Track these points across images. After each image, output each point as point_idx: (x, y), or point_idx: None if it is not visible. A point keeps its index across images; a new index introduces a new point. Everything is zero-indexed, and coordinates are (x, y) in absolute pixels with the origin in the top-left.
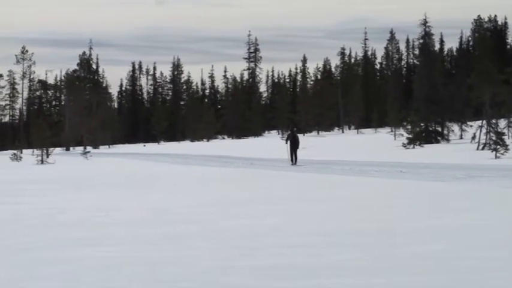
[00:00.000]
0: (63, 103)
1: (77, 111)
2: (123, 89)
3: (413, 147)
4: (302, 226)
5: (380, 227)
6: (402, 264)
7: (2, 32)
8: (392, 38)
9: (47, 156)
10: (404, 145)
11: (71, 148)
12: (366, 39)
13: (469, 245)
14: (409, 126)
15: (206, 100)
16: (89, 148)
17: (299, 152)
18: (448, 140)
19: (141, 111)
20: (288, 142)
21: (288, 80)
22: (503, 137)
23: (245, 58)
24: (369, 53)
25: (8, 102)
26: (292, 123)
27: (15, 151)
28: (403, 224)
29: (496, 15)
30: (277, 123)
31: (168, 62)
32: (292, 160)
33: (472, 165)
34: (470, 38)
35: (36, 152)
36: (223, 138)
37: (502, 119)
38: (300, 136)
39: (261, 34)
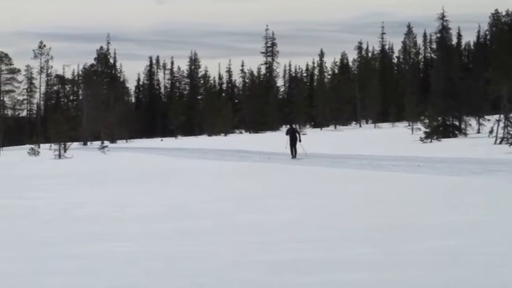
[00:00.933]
0: (80, 98)
1: (95, 106)
2: (141, 83)
3: (431, 142)
4: (317, 221)
5: (395, 222)
6: (415, 259)
7: (19, 27)
8: (409, 32)
9: (65, 151)
10: (421, 139)
11: (89, 143)
12: (383, 33)
13: (484, 240)
14: (426, 121)
15: (223, 94)
16: (106, 143)
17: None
18: (465, 134)
19: (158, 105)
20: (288, 137)
21: (305, 75)
22: None
23: (262, 52)
24: (386, 47)
25: (25, 97)
26: (291, 119)
27: (32, 146)
28: (419, 218)
29: None
30: (294, 118)
31: (185, 56)
32: (292, 153)
33: (490, 160)
34: (487, 32)
35: (54, 146)
36: (241, 133)
37: None
38: (317, 130)
39: (278, 28)
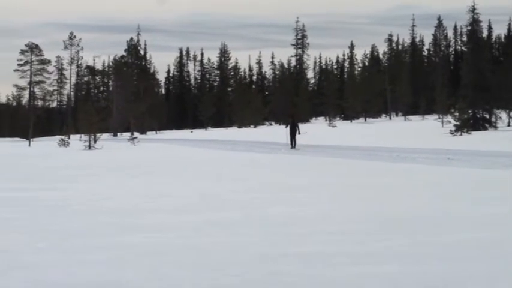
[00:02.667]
0: (110, 89)
1: (125, 97)
2: (171, 74)
3: (461, 134)
4: (348, 213)
5: (426, 214)
6: (446, 252)
7: (50, 18)
8: (440, 25)
9: (95, 142)
10: (451, 132)
11: (118, 134)
12: (413, 25)
13: None
14: (456, 113)
15: (253, 86)
16: (136, 134)
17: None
18: (495, 127)
19: (188, 97)
20: (288, 128)
21: (335, 67)
22: None
23: (293, 44)
24: (417, 39)
25: (55, 87)
26: (291, 111)
27: (62, 136)
28: (449, 211)
29: None
30: (324, 110)
31: (215, 47)
32: (291, 144)
33: None
34: None
35: (84, 137)
36: (270, 125)
37: None
38: (347, 123)
39: (308, 20)
